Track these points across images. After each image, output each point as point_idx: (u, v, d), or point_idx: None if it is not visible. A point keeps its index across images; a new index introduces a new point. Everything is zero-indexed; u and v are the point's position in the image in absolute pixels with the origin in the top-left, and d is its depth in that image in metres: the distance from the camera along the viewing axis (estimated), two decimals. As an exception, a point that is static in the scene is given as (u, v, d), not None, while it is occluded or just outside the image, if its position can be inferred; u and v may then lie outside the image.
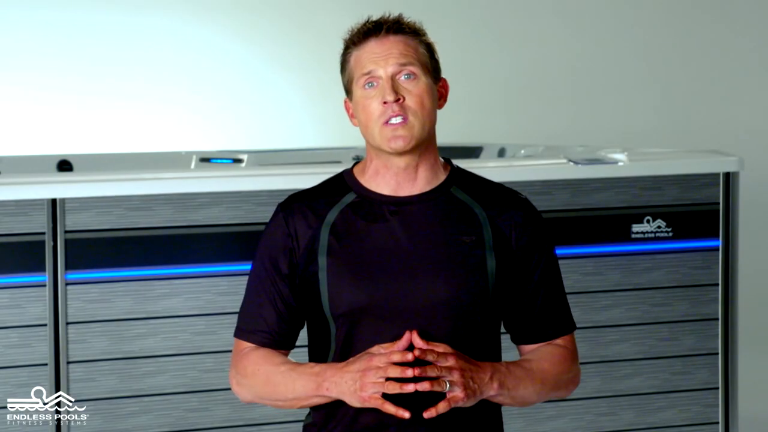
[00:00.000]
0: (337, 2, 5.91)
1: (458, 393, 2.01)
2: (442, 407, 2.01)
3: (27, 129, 5.87)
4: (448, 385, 2.01)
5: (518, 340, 2.21)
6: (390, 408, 2.00)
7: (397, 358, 2.02)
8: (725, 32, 6.21)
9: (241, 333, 2.19)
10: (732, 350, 3.70)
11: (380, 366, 2.01)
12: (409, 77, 2.11)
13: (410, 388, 1.99)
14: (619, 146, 4.06)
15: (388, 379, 2.01)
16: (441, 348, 2.04)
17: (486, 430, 2.14)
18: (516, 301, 2.17)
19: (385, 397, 2.01)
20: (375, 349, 2.05)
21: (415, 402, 2.03)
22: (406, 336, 2.04)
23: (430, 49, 2.15)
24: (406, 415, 2.00)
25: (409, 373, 1.99)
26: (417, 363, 2.01)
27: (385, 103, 2.09)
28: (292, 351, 2.20)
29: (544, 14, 6.19)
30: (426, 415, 2.00)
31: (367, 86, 2.11)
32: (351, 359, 2.07)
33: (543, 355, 2.16)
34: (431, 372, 2.00)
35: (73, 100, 5.90)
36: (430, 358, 2.02)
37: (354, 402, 2.04)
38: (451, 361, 2.02)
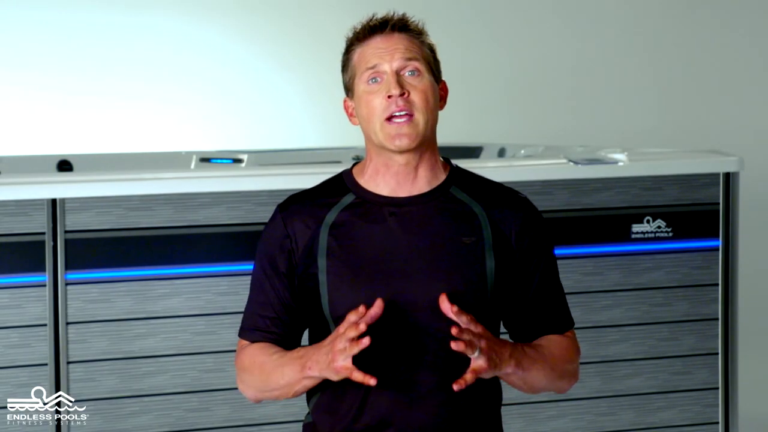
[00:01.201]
0: (337, 2, 5.91)
1: (482, 363, 1.97)
2: (470, 378, 1.96)
3: (27, 129, 5.87)
4: (478, 351, 1.97)
5: (518, 339, 2.20)
6: (358, 376, 1.96)
7: (353, 318, 1.97)
8: (725, 32, 6.21)
9: (242, 332, 2.19)
10: (732, 350, 3.70)
11: (342, 332, 1.97)
12: (414, 73, 2.10)
13: (366, 342, 1.93)
14: (619, 146, 4.06)
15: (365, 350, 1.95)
16: (469, 317, 2.00)
17: (485, 430, 2.14)
18: (516, 300, 2.16)
19: (376, 374, 1.97)
20: (349, 315, 2.01)
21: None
22: (378, 302, 2.00)
23: (432, 50, 2.15)
24: (372, 382, 1.94)
25: (362, 327, 1.94)
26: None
27: (389, 97, 2.08)
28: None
29: (544, 14, 6.18)
30: (456, 387, 1.95)
31: (370, 81, 2.11)
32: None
33: (550, 342, 2.16)
34: (465, 335, 1.95)
35: (73, 100, 5.90)
36: (463, 319, 1.97)
37: (332, 376, 2.00)
38: (480, 329, 1.99)
